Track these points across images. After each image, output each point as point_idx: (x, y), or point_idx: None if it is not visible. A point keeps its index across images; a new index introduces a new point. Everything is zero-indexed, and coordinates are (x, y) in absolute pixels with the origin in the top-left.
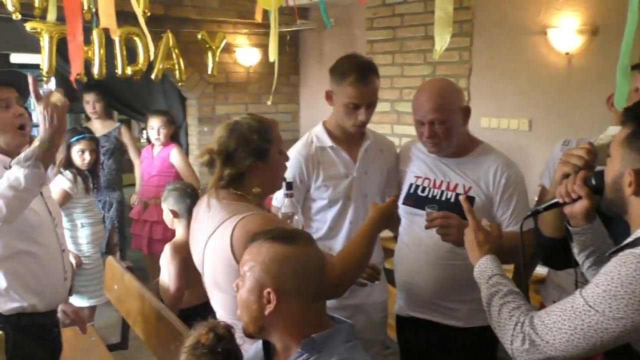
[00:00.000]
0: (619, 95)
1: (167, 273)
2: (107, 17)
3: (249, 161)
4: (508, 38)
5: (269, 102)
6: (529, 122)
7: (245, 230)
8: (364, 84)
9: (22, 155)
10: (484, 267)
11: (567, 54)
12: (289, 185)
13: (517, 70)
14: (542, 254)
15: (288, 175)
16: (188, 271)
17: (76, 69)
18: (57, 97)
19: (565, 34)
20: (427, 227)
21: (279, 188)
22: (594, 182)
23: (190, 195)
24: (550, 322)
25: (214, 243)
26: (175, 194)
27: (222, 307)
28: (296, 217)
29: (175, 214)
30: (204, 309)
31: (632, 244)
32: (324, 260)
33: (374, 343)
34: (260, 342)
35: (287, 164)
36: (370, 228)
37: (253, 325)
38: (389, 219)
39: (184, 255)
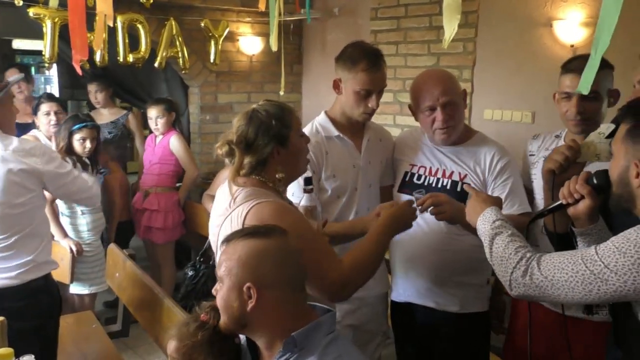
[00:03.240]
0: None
1: None
2: (105, 3)
3: (269, 148)
4: (513, 30)
5: (281, 93)
6: (532, 115)
7: (258, 216)
8: (376, 69)
9: None
10: (487, 215)
11: (572, 46)
12: (308, 181)
13: (522, 62)
14: (555, 249)
15: None
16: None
17: (81, 56)
18: None
19: (571, 26)
20: (421, 212)
21: (303, 172)
22: (595, 181)
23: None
24: (557, 261)
25: (228, 225)
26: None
27: None
28: (318, 209)
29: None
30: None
31: None
32: (300, 251)
33: (377, 334)
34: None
35: None
36: (381, 233)
37: (234, 324)
38: (404, 222)
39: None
